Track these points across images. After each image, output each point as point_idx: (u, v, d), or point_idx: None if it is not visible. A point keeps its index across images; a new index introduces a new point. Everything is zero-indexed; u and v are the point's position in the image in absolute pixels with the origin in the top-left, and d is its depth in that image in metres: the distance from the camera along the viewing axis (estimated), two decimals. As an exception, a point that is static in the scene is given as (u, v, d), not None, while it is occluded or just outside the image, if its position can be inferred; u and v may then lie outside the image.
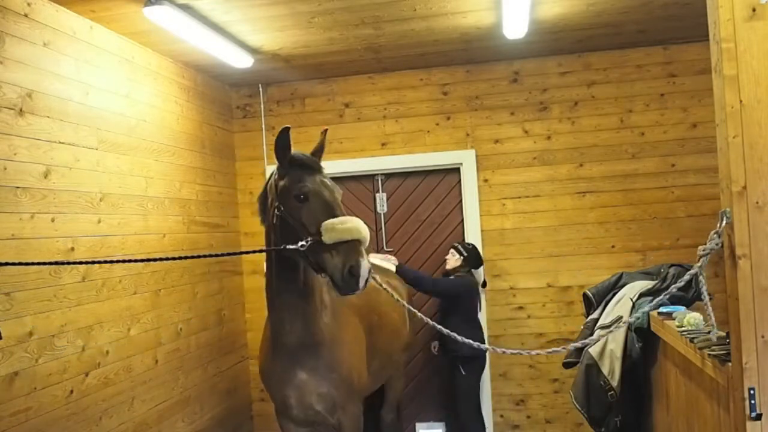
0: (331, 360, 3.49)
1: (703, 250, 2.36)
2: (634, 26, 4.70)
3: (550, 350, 2.94)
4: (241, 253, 3.63)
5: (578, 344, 3.18)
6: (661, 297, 2.75)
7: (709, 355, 2.54)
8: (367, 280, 2.94)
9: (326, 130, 3.52)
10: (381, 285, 3.24)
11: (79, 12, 3.69)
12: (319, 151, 3.44)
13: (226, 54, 4.48)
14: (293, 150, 3.24)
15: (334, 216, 3.01)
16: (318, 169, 3.25)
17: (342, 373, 3.53)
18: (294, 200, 3.10)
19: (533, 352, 3.17)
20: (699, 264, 2.42)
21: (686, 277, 2.56)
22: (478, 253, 5.12)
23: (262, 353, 3.76)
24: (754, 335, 2.16)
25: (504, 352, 2.98)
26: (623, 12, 4.36)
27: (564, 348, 3.02)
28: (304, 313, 3.38)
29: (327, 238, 2.93)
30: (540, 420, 5.41)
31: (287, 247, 3.02)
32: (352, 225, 2.96)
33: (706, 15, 2.35)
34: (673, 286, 2.70)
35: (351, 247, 2.93)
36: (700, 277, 2.50)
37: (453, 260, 5.02)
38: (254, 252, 3.46)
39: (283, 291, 3.36)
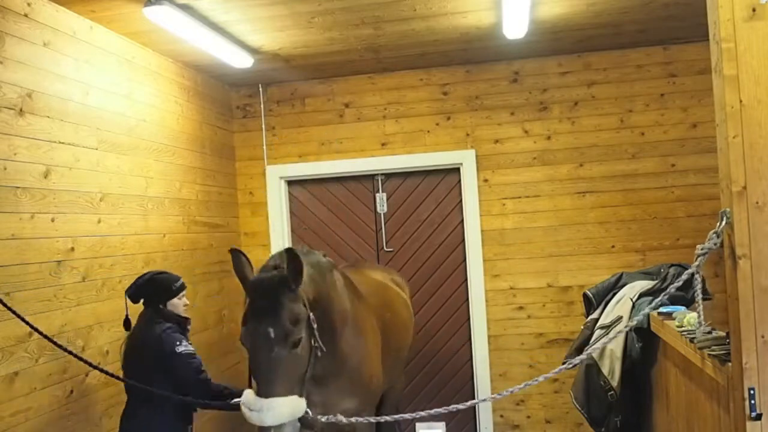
0: (355, 373, 3.43)
1: (701, 250, 2.36)
2: (634, 26, 4.70)
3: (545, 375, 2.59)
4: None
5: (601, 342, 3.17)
6: (660, 297, 2.74)
7: (709, 355, 2.54)
8: None
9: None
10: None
11: (79, 12, 3.69)
12: (293, 273, 2.84)
13: (226, 54, 4.48)
14: (256, 272, 2.98)
15: (253, 390, 2.82)
16: (264, 318, 2.76)
17: (364, 381, 3.49)
18: None
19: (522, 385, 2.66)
20: (696, 263, 2.41)
21: (684, 276, 2.55)
22: None
23: None
24: (754, 335, 2.15)
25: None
26: (623, 12, 4.36)
27: (561, 368, 2.65)
28: (331, 347, 3.11)
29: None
30: (540, 420, 5.41)
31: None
32: (255, 416, 2.71)
33: (706, 15, 2.35)
34: (671, 286, 2.69)
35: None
36: (696, 276, 2.50)
37: None
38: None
39: None
